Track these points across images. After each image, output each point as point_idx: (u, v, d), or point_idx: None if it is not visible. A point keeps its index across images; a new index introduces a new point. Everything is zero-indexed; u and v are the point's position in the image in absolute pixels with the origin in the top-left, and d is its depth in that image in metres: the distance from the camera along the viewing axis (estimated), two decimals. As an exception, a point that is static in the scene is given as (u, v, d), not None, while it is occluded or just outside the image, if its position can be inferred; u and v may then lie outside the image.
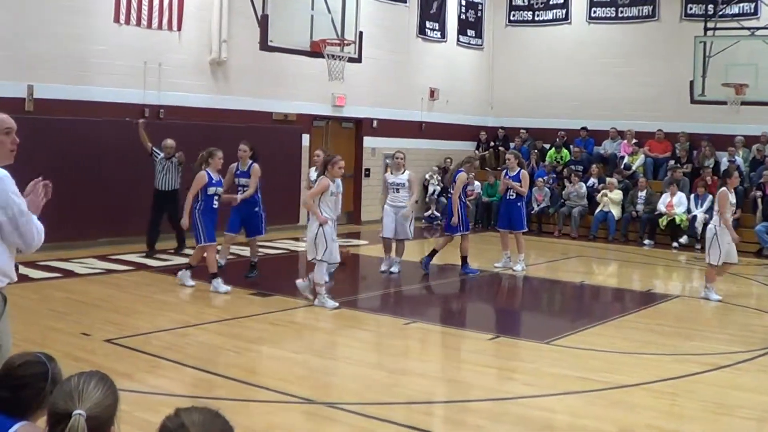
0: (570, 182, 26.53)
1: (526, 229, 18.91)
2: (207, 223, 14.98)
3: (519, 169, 18.67)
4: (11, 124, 5.88)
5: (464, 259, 18.20)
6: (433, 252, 18.14)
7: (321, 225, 13.83)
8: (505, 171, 19.00)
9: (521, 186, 18.49)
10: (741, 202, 23.80)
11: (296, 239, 19.53)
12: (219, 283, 14.98)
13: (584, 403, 9.51)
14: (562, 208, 26.20)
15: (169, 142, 18.67)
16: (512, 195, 18.58)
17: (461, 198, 17.99)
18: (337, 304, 13.97)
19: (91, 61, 19.47)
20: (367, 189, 27.29)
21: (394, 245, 17.74)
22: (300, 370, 10.69)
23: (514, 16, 31.72)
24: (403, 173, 17.61)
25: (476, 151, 30.71)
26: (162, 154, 18.59)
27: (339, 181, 14.75)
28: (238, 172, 16.53)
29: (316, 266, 14.03)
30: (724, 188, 15.49)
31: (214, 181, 15.09)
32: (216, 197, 15.10)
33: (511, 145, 29.67)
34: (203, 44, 21.90)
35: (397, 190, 17.50)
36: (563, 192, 26.57)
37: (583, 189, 26.03)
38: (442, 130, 29.63)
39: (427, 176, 28.72)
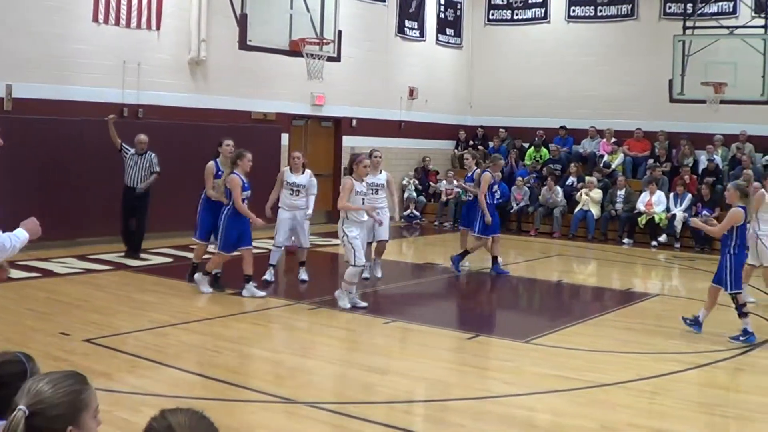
0: (546, 185, 26.48)
1: (476, 233, 18.04)
2: (230, 230, 14.46)
3: (476, 168, 18.53)
4: None
5: (495, 259, 18.11)
6: (465, 253, 18.26)
7: (344, 231, 13.86)
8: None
9: (474, 186, 18.21)
10: (720, 200, 23.96)
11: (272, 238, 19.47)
12: (253, 288, 14.66)
13: (565, 402, 9.52)
14: (540, 208, 26.21)
15: (142, 137, 18.32)
16: (470, 196, 18.44)
17: (488, 198, 17.69)
18: (349, 306, 13.92)
19: (70, 60, 19.39)
20: (347, 188, 27.20)
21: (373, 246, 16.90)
22: (280, 370, 10.68)
23: (493, 15, 31.74)
24: (380, 173, 16.86)
25: (455, 150, 30.77)
26: (132, 150, 18.37)
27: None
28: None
29: (348, 269, 13.94)
30: (762, 189, 15.29)
31: (245, 185, 14.45)
32: (245, 202, 14.41)
33: (490, 144, 29.77)
34: (182, 43, 21.84)
35: (376, 192, 16.43)
36: (539, 197, 26.55)
37: (560, 195, 25.98)
38: (422, 129, 29.63)
39: (404, 182, 28.70)
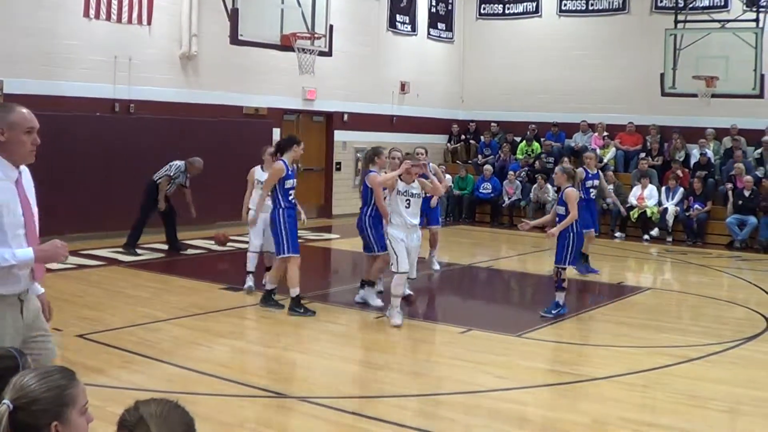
0: (536, 184, 26.48)
1: (439, 225, 17.77)
2: (379, 231, 13.64)
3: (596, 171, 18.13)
4: (34, 123, 5.73)
5: (586, 257, 17.76)
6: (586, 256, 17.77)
7: (388, 234, 12.72)
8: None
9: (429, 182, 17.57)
10: (712, 194, 24.02)
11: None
12: (372, 297, 14.02)
13: (557, 396, 9.55)
14: (532, 202, 26.22)
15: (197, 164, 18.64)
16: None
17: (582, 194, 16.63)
18: (401, 323, 12.63)
19: (61, 55, 19.36)
20: (339, 182, 27.26)
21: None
22: (273, 365, 10.68)
23: (484, 9, 31.72)
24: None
25: (447, 144, 30.78)
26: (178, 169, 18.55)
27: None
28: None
29: (395, 276, 12.73)
30: None
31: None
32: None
33: (481, 138, 29.82)
34: (173, 38, 21.82)
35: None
36: (530, 195, 26.55)
37: (551, 193, 25.91)
38: (413, 123, 29.59)
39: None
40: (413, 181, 12.74)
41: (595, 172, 17.90)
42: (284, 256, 13.12)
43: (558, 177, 14.19)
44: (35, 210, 5.96)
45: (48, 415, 3.36)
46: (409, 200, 12.69)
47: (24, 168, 5.86)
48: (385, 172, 13.68)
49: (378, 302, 13.89)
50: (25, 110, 5.71)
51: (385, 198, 13.16)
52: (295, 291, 13.13)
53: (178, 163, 18.41)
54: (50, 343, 6.15)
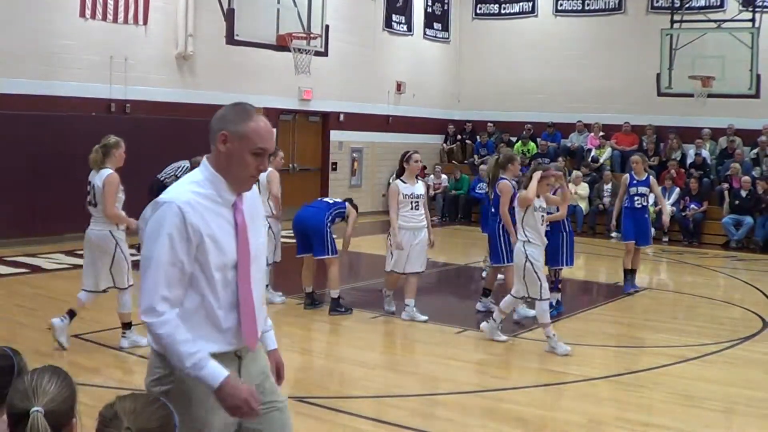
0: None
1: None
2: (507, 240, 12.95)
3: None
4: (267, 144, 4.46)
5: (633, 272, 16.27)
6: (632, 271, 16.28)
7: (527, 256, 11.30)
8: None
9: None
10: (708, 194, 24.04)
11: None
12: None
13: (553, 396, 9.55)
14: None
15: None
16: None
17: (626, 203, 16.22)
18: (505, 339, 11.80)
19: (57, 55, 19.35)
20: (334, 183, 27.24)
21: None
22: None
23: (480, 9, 31.72)
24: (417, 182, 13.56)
25: (444, 145, 30.80)
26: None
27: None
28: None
29: (537, 305, 11.45)
30: None
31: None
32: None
33: (477, 138, 29.83)
34: (169, 38, 21.82)
35: (416, 205, 12.89)
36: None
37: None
38: (409, 123, 29.59)
39: (391, 177, 28.63)
40: (547, 192, 12.01)
41: (644, 177, 16.13)
42: (329, 258, 13.26)
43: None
44: (257, 248, 4.59)
45: (70, 413, 3.40)
46: (543, 215, 11.70)
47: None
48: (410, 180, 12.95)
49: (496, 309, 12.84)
50: (263, 123, 4.49)
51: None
52: (336, 292, 13.32)
53: (184, 163, 18.32)
54: (280, 413, 4.85)
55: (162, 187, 18.01)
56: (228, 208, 4.42)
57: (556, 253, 13.37)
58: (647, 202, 16.33)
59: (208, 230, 4.29)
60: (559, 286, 13.69)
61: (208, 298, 4.35)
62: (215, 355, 4.26)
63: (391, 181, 14.46)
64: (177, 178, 18.00)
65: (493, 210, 13.48)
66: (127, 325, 10.88)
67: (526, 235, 11.38)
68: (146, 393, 3.35)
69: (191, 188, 4.39)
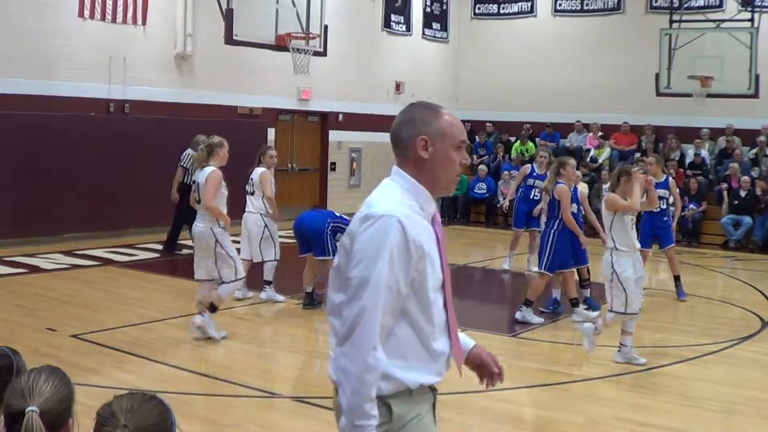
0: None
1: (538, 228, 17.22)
2: (562, 246, 13.46)
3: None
4: (464, 135, 4.11)
5: (677, 279, 15.79)
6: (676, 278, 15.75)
7: (612, 266, 10.61)
8: None
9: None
10: (707, 194, 24.05)
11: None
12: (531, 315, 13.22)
13: (552, 396, 9.54)
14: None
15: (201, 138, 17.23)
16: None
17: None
18: (644, 361, 10.82)
19: (56, 55, 19.33)
20: (333, 183, 27.23)
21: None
22: (267, 365, 10.68)
23: (479, 9, 31.72)
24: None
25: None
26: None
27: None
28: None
29: (615, 316, 10.78)
30: None
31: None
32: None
33: (476, 138, 29.82)
34: (168, 38, 21.81)
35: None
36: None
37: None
38: (409, 123, 29.47)
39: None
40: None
41: (662, 179, 15.45)
42: (330, 258, 13.01)
43: None
44: (446, 262, 4.15)
45: (67, 413, 3.41)
46: (632, 219, 11.01)
47: None
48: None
49: (538, 320, 13.18)
50: (448, 115, 4.07)
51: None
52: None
53: (188, 151, 18.05)
54: None
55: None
56: (429, 221, 4.01)
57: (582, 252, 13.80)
58: (666, 204, 15.52)
59: (427, 246, 3.89)
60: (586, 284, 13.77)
61: (419, 323, 3.99)
62: (417, 390, 4.13)
63: None
64: (184, 168, 18.05)
65: (547, 214, 13.67)
66: (212, 308, 11.39)
67: (613, 242, 10.75)
68: (142, 392, 3.34)
69: (402, 200, 3.97)
